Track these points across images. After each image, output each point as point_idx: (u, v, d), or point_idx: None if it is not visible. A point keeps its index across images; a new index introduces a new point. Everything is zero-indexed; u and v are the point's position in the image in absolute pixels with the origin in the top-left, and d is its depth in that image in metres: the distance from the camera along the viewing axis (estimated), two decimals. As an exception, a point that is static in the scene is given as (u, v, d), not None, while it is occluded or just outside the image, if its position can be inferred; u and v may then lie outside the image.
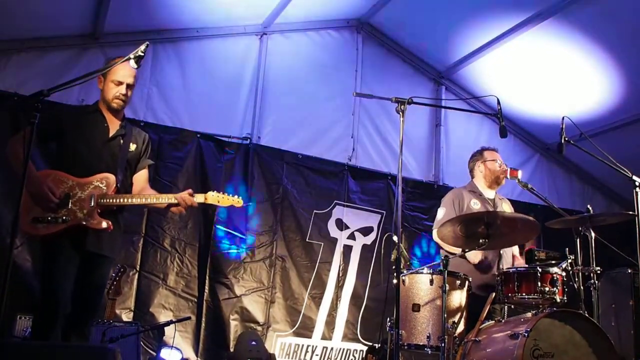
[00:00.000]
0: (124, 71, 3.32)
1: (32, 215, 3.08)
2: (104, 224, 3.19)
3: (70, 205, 3.16)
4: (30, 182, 3.04)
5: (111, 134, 3.37)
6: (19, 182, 2.57)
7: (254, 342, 5.06)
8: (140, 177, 3.53)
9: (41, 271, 3.14)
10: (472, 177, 4.64)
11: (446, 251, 4.22)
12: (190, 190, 3.41)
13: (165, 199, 3.36)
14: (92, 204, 3.18)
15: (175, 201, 3.33)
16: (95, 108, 3.41)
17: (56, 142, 3.33)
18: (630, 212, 3.68)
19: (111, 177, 3.26)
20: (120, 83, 3.32)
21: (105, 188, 3.23)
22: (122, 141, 3.40)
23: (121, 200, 3.26)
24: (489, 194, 4.54)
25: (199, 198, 3.43)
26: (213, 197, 3.50)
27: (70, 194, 3.17)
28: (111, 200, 3.23)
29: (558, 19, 5.46)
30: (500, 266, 4.28)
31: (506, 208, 4.57)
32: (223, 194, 3.54)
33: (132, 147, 3.44)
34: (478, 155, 4.64)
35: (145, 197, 3.35)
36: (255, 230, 5.62)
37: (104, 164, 3.30)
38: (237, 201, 3.59)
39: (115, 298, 4.37)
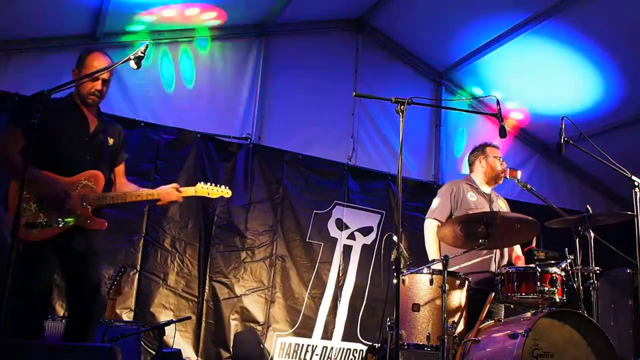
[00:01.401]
0: (97, 64, 3.25)
1: (25, 221, 2.98)
2: (101, 224, 3.16)
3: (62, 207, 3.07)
4: (38, 184, 2.99)
5: (92, 130, 3.30)
6: (6, 182, 2.50)
7: (261, 345, 5.10)
8: (120, 172, 3.49)
9: (18, 276, 2.75)
10: (471, 170, 4.60)
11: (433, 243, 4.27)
12: (176, 185, 3.40)
13: (154, 195, 3.36)
14: (85, 204, 3.13)
15: (158, 197, 3.34)
16: (72, 102, 3.29)
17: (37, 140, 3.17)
18: (629, 213, 3.68)
19: (99, 175, 3.21)
20: (95, 79, 3.24)
21: (94, 186, 3.18)
22: (101, 137, 3.34)
23: (113, 198, 3.22)
24: (486, 189, 4.53)
25: (189, 191, 3.44)
26: (203, 189, 3.52)
27: None
28: (103, 200, 3.18)
29: (558, 19, 5.47)
30: (501, 264, 4.29)
31: (502, 205, 4.56)
32: (211, 184, 3.56)
33: (111, 141, 3.39)
34: (480, 149, 4.59)
35: (138, 194, 3.33)
36: (255, 230, 5.63)
37: (89, 161, 3.23)
38: (225, 192, 3.64)
39: (115, 298, 4.36)
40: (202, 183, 3.57)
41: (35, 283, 2.99)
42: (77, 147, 3.23)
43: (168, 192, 3.35)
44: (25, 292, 2.92)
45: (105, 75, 3.26)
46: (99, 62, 3.27)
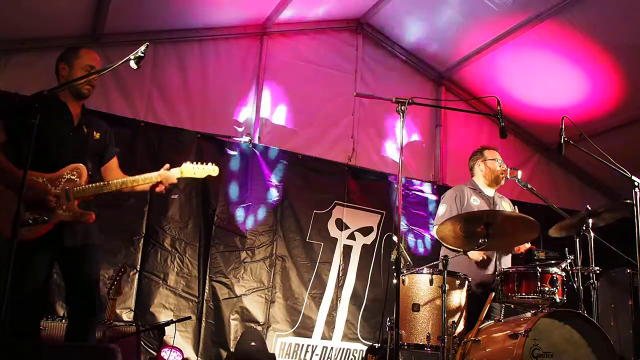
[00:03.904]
0: (92, 56, 3.29)
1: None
2: (88, 216, 3.11)
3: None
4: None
5: (75, 123, 3.26)
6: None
7: (261, 343, 5.10)
8: (113, 166, 3.46)
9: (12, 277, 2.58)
10: (472, 175, 4.66)
11: (447, 248, 4.22)
12: (167, 165, 3.38)
13: (149, 179, 3.32)
14: (70, 198, 3.08)
15: (160, 179, 3.31)
16: (55, 97, 3.19)
17: (18, 137, 3.08)
18: (628, 201, 3.63)
19: (82, 167, 3.17)
20: (91, 67, 3.25)
21: (78, 179, 3.14)
22: (85, 130, 3.30)
23: (97, 188, 3.16)
24: (489, 192, 4.55)
25: (175, 173, 3.43)
26: (189, 170, 3.48)
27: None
28: (87, 191, 3.13)
29: (558, 19, 5.46)
30: (500, 265, 4.29)
31: (506, 206, 4.58)
32: (197, 163, 3.53)
33: (96, 135, 3.35)
34: (478, 154, 4.65)
35: (123, 181, 3.27)
36: (255, 230, 5.62)
37: (73, 155, 3.18)
38: (212, 170, 3.58)
39: (115, 298, 4.36)
40: (188, 163, 3.51)
41: (29, 283, 2.96)
42: (61, 141, 3.18)
43: (167, 175, 3.31)
44: (18, 293, 2.85)
45: (99, 66, 3.30)
46: (90, 55, 3.30)
